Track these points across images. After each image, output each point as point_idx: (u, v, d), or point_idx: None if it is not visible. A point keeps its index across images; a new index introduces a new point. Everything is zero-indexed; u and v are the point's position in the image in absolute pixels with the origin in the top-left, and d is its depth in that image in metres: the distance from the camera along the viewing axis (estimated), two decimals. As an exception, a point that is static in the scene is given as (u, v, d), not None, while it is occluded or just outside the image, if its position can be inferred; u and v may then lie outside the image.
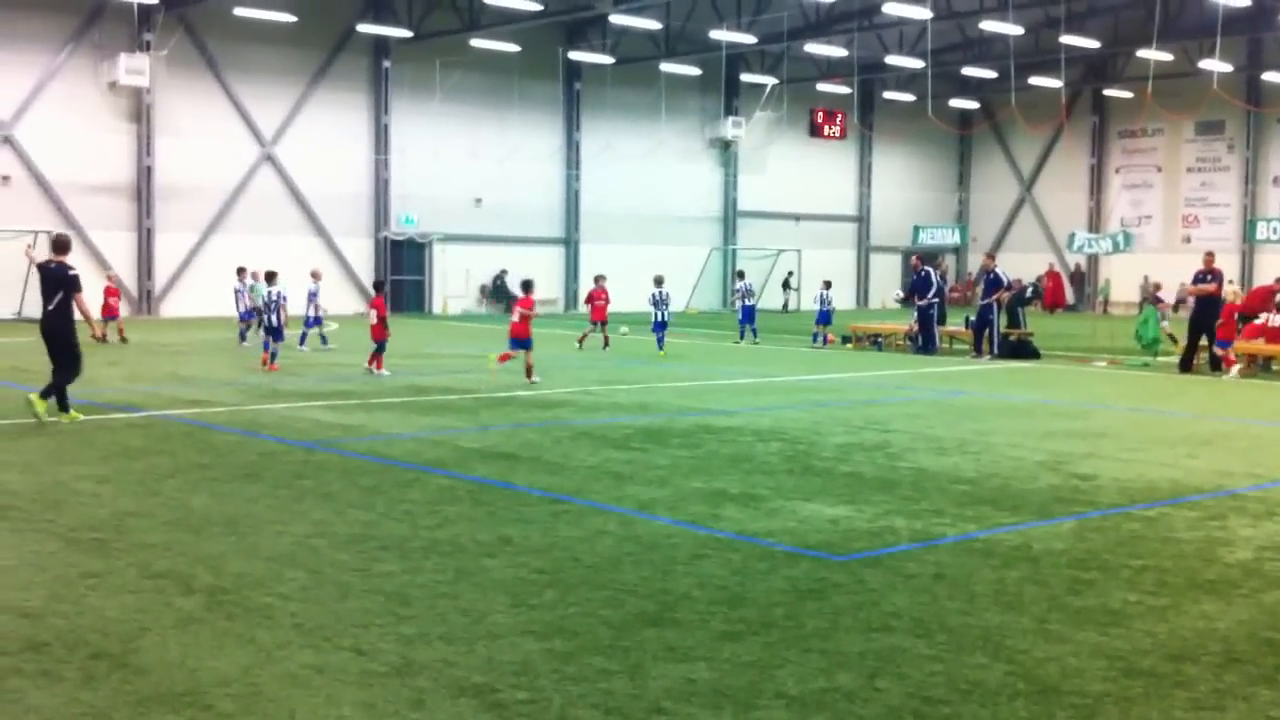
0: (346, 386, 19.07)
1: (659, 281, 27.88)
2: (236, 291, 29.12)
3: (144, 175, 39.23)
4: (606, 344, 27.51)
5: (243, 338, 27.79)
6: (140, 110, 39.03)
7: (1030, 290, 32.89)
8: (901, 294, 31.15)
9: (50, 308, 14.34)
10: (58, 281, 14.33)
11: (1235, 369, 23.18)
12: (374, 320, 21.27)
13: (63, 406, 14.44)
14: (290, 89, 42.11)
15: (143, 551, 8.15)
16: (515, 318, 20.22)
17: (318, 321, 27.28)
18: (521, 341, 19.86)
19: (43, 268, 14.57)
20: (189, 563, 7.86)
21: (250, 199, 41.49)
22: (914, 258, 30.42)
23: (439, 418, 15.35)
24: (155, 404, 16.27)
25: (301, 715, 5.26)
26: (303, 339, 26.84)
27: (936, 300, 28.28)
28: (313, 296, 27.07)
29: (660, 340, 27.15)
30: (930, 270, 28.41)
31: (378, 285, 23.31)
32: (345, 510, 9.52)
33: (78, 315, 14.54)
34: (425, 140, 44.47)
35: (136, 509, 9.51)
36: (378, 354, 21.15)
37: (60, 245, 14.68)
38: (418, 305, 45.64)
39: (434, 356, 25.35)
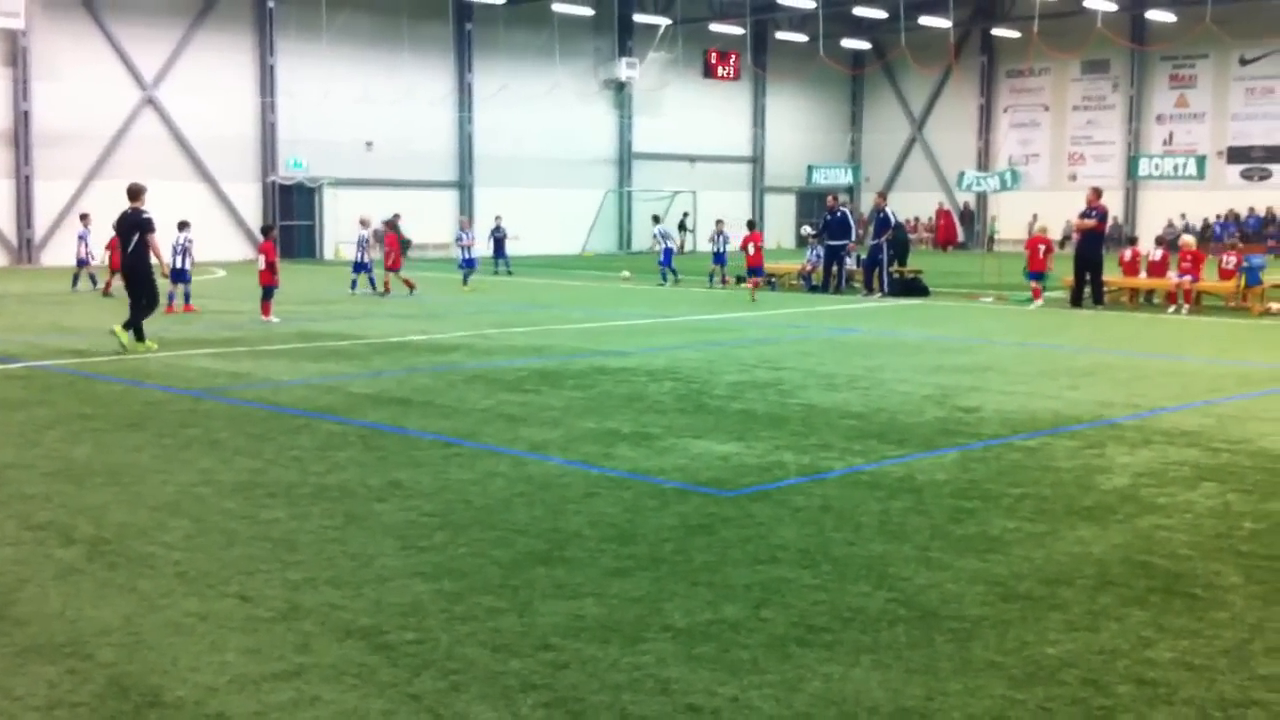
0: (235, 334, 18.75)
1: (462, 226, 31.44)
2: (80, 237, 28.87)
3: (21, 121, 38.01)
4: (404, 288, 27.53)
5: (75, 282, 28.38)
6: (16, 53, 37.73)
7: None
8: (812, 230, 31.51)
9: (129, 250, 16.11)
10: (134, 225, 16.04)
11: (1038, 303, 24.36)
12: (262, 266, 20.95)
13: (139, 336, 16.17)
14: (171, 30, 40.97)
15: (22, 503, 7.98)
16: (751, 251, 26.62)
17: None
18: (757, 269, 26.84)
19: (121, 216, 16.27)
20: (70, 514, 7.71)
21: (132, 144, 40.40)
22: (830, 197, 30.65)
23: (330, 364, 15.18)
24: (36, 354, 15.87)
25: (184, 662, 5.20)
26: None
27: (847, 242, 28.69)
28: None
29: (466, 277, 30.17)
30: (845, 212, 29.01)
31: (266, 230, 22.92)
32: (232, 458, 9.39)
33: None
34: (313, 82, 43.55)
35: (15, 460, 9.29)
36: (266, 300, 20.84)
37: (134, 193, 16.33)
38: (308, 251, 44.91)
39: (326, 303, 25.02)
